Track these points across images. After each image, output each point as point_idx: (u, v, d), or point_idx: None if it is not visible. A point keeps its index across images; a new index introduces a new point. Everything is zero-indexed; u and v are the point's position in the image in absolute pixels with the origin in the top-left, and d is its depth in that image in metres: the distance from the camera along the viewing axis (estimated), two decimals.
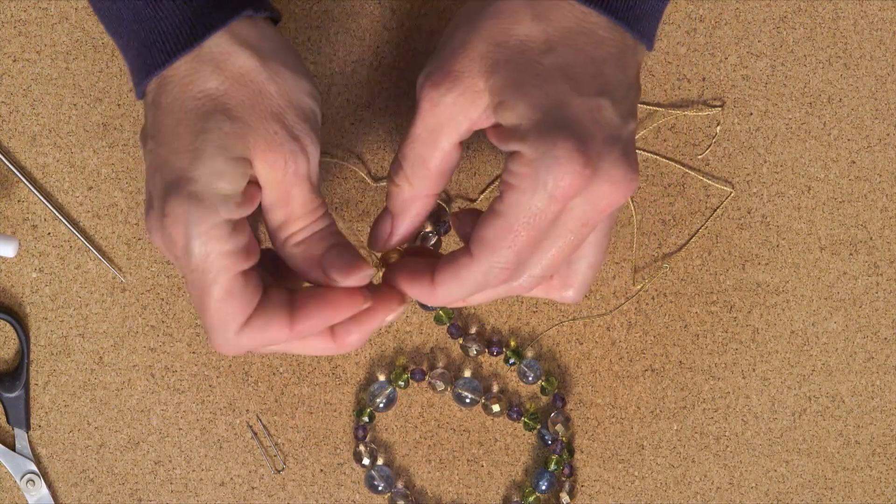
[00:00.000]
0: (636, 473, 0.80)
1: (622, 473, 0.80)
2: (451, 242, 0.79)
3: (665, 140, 0.79)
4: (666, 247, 0.79)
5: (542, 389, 0.79)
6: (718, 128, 0.79)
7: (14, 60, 0.77)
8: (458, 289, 0.63)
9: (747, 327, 0.80)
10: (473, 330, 0.79)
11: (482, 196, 0.79)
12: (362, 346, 0.79)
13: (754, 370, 0.80)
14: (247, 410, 0.79)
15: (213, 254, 0.61)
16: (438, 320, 0.79)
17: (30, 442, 0.78)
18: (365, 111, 0.78)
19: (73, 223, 0.78)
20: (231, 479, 0.79)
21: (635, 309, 0.79)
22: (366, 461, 0.78)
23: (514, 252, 0.61)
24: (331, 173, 0.78)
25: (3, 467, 0.79)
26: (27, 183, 0.77)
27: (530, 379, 0.79)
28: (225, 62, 0.62)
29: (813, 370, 0.80)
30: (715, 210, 0.79)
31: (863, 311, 0.80)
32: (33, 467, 0.78)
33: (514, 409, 0.79)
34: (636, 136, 0.75)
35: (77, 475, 0.79)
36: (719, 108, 0.79)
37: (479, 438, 0.79)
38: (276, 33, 0.64)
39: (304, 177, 0.63)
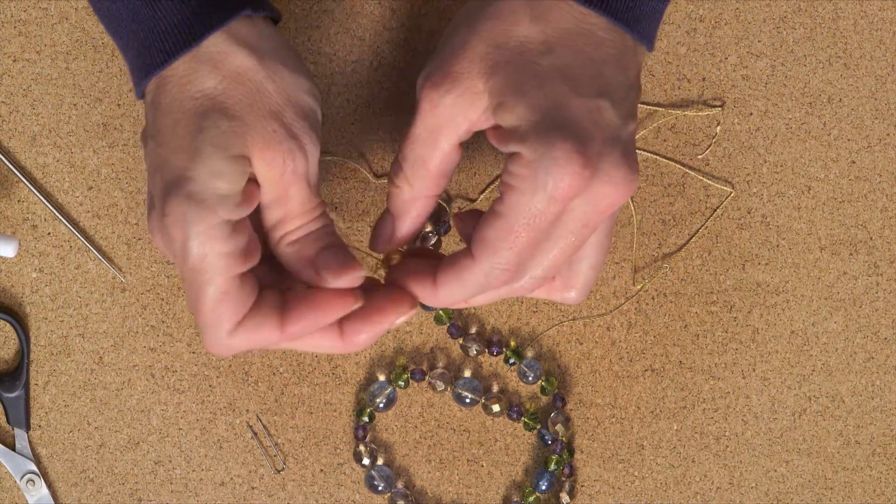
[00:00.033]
0: (636, 473, 0.80)
1: (622, 473, 0.80)
2: (450, 242, 0.79)
3: (665, 140, 0.79)
4: (666, 247, 0.79)
5: (542, 389, 0.79)
6: (718, 128, 0.79)
7: (14, 60, 0.77)
8: (460, 290, 0.63)
9: (747, 327, 0.80)
10: (473, 330, 0.79)
11: (482, 196, 0.79)
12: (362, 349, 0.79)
13: (754, 370, 0.80)
14: (247, 410, 0.79)
15: (211, 254, 0.61)
16: (438, 320, 0.79)
17: (30, 442, 0.78)
18: (365, 111, 0.78)
19: (73, 223, 0.78)
20: (231, 479, 0.79)
21: (635, 309, 0.79)
22: (366, 461, 0.78)
23: (514, 253, 0.61)
24: (331, 173, 0.78)
25: (3, 467, 0.79)
26: (27, 183, 0.77)
27: (530, 379, 0.79)
28: (222, 61, 0.62)
29: (813, 370, 0.80)
30: (715, 210, 0.79)
31: (863, 311, 0.80)
32: (33, 467, 0.78)
33: (514, 409, 0.79)
34: (636, 137, 0.75)
35: (77, 475, 0.79)
36: (719, 108, 0.79)
37: (479, 438, 0.79)
38: (274, 32, 0.64)
39: (302, 176, 0.63)
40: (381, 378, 0.79)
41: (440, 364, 0.79)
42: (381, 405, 0.78)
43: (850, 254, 0.80)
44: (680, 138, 0.79)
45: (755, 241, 0.79)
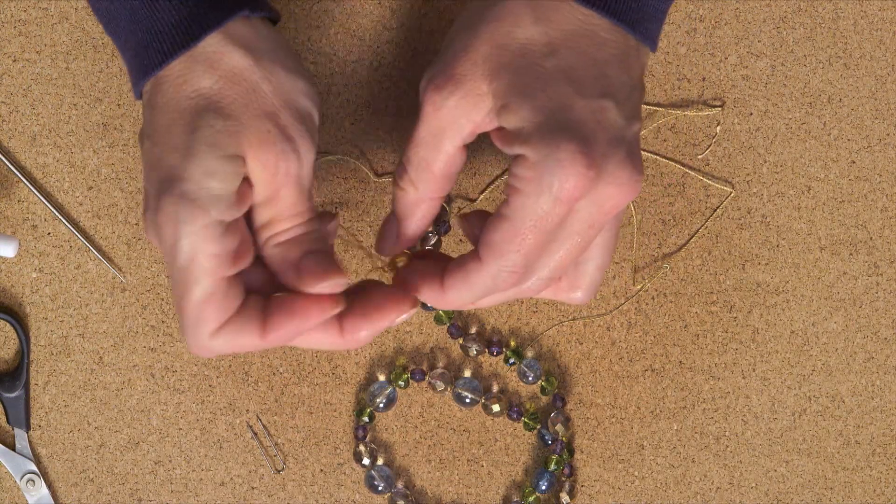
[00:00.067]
0: (636, 473, 0.80)
1: (622, 473, 0.80)
2: (450, 242, 0.79)
3: (665, 140, 0.79)
4: (666, 247, 0.79)
5: (542, 389, 0.79)
6: (718, 128, 0.79)
7: (14, 60, 0.77)
8: (467, 293, 0.63)
9: (747, 327, 0.80)
10: (473, 330, 0.79)
11: (482, 196, 0.79)
12: (362, 346, 0.79)
13: (754, 370, 0.80)
14: (247, 410, 0.79)
15: (201, 255, 0.60)
16: (438, 320, 0.79)
17: (30, 442, 0.78)
18: (365, 111, 0.78)
19: (73, 223, 0.78)
20: (231, 479, 0.79)
21: (635, 309, 0.79)
22: (366, 461, 0.78)
23: (521, 256, 0.61)
24: (331, 173, 0.78)
25: (3, 467, 0.79)
26: (27, 183, 0.77)
27: (530, 379, 0.79)
28: (218, 61, 0.62)
29: (813, 370, 0.80)
30: (715, 210, 0.79)
31: (863, 311, 0.80)
32: (33, 467, 0.78)
33: (514, 409, 0.79)
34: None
35: (77, 475, 0.79)
36: (719, 108, 0.79)
37: (479, 438, 0.79)
38: (272, 33, 0.64)
39: (294, 178, 0.62)
40: (381, 378, 0.79)
41: (440, 364, 0.79)
42: (381, 405, 0.78)
43: (850, 254, 0.80)
44: (680, 138, 0.79)
45: (755, 241, 0.79)
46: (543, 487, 0.79)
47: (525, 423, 0.79)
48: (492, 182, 0.79)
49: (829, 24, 0.79)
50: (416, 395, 0.79)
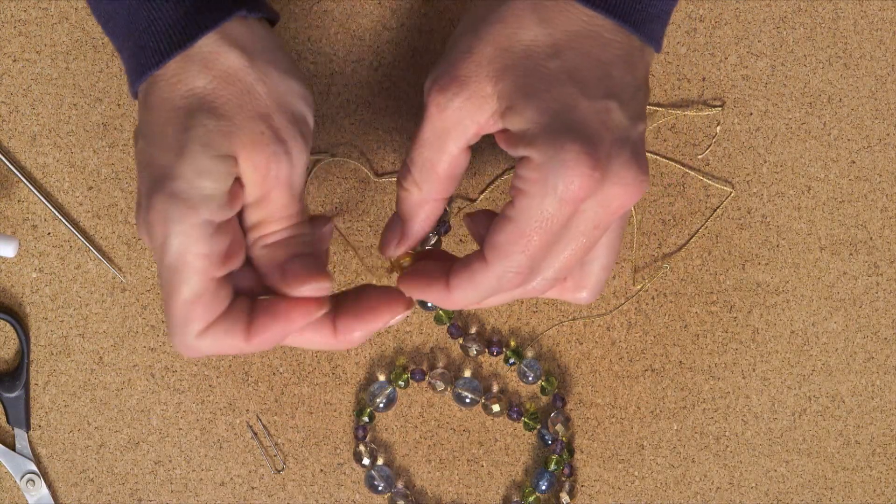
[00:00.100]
0: (636, 473, 0.80)
1: (622, 473, 0.80)
2: (450, 242, 0.79)
3: (665, 140, 0.79)
4: (666, 247, 0.79)
5: (542, 389, 0.79)
6: (718, 128, 0.79)
7: (14, 60, 0.77)
8: (473, 293, 0.63)
9: (747, 327, 0.80)
10: (473, 330, 0.79)
11: (482, 196, 0.79)
12: (362, 346, 0.79)
13: (754, 370, 0.80)
14: (247, 410, 0.79)
15: (190, 254, 0.60)
16: (438, 320, 0.79)
17: (30, 442, 0.78)
18: (365, 111, 0.78)
19: (73, 223, 0.78)
20: (231, 479, 0.79)
21: (635, 309, 0.79)
22: (366, 461, 0.78)
23: (527, 257, 0.61)
24: (331, 173, 0.78)
25: (3, 467, 0.79)
26: (27, 183, 0.77)
27: (530, 379, 0.79)
28: (213, 61, 0.62)
29: (813, 370, 0.80)
30: (715, 210, 0.79)
31: (863, 311, 0.80)
32: (33, 467, 0.78)
33: (514, 409, 0.79)
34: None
35: (77, 475, 0.79)
36: (719, 108, 0.79)
37: (479, 438, 0.79)
38: (269, 34, 0.64)
39: (285, 180, 0.62)
40: (381, 378, 0.79)
41: (440, 364, 0.79)
42: (381, 405, 0.78)
43: (850, 254, 0.80)
44: (680, 138, 0.79)
45: (755, 241, 0.79)
46: (543, 487, 0.79)
47: (525, 423, 0.79)
48: (492, 182, 0.79)
49: (829, 24, 0.79)
50: (416, 395, 0.79)
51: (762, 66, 0.79)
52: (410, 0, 0.78)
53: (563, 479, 0.79)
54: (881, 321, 0.80)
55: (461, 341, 0.79)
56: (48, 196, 0.77)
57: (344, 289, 0.67)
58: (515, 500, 0.80)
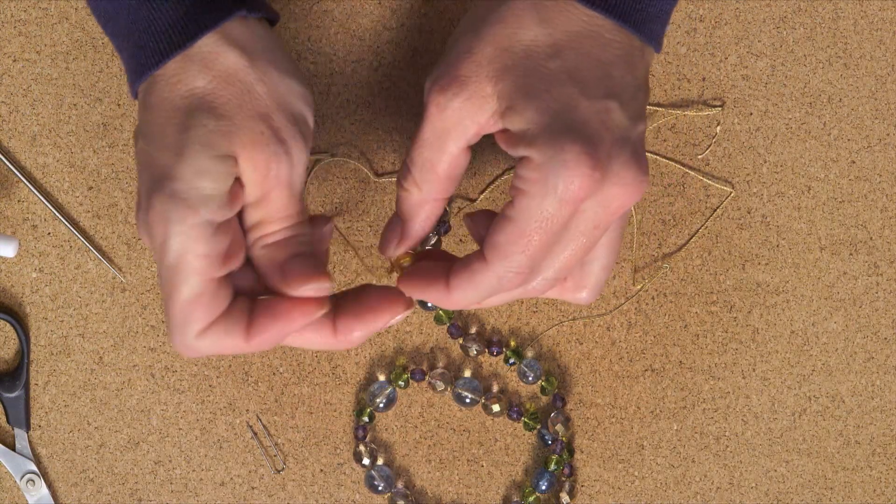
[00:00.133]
0: (636, 473, 0.80)
1: (622, 473, 0.80)
2: (450, 242, 0.79)
3: (665, 140, 0.79)
4: (666, 247, 0.79)
5: (542, 389, 0.79)
6: (718, 128, 0.79)
7: (14, 60, 0.77)
8: (473, 293, 0.63)
9: (747, 327, 0.80)
10: (473, 330, 0.79)
11: (482, 196, 0.79)
12: (362, 346, 0.79)
13: (754, 370, 0.80)
14: (247, 410, 0.79)
15: (190, 254, 0.60)
16: (438, 320, 0.79)
17: (30, 442, 0.78)
18: (365, 111, 0.78)
19: (73, 223, 0.78)
20: (231, 479, 0.79)
21: (635, 309, 0.79)
22: (366, 461, 0.78)
23: (527, 257, 0.61)
24: (331, 173, 0.78)
25: (3, 467, 0.79)
26: (27, 183, 0.77)
27: (530, 379, 0.79)
28: (213, 61, 0.62)
29: (813, 370, 0.80)
30: (715, 210, 0.79)
31: (863, 311, 0.80)
32: (33, 467, 0.78)
33: (514, 409, 0.79)
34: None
35: (77, 475, 0.79)
36: (719, 108, 0.79)
37: (479, 438, 0.79)
38: (269, 34, 0.64)
39: (285, 181, 0.62)
40: (381, 378, 0.79)
41: (440, 364, 0.79)
42: (381, 405, 0.78)
43: (850, 254, 0.80)
44: (680, 138, 0.79)
45: (755, 241, 0.79)
46: (543, 487, 0.79)
47: (525, 423, 0.79)
48: (492, 182, 0.79)
49: (829, 24, 0.79)
50: (416, 395, 0.79)
51: (762, 66, 0.79)
52: (410, 0, 0.78)
53: (563, 479, 0.79)
54: (881, 321, 0.80)
55: (461, 341, 0.79)
56: (48, 196, 0.77)
57: (344, 289, 0.67)
58: (515, 500, 0.80)
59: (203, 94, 0.61)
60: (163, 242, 0.60)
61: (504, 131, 0.62)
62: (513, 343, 0.79)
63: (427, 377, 0.79)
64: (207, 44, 0.62)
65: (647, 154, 0.77)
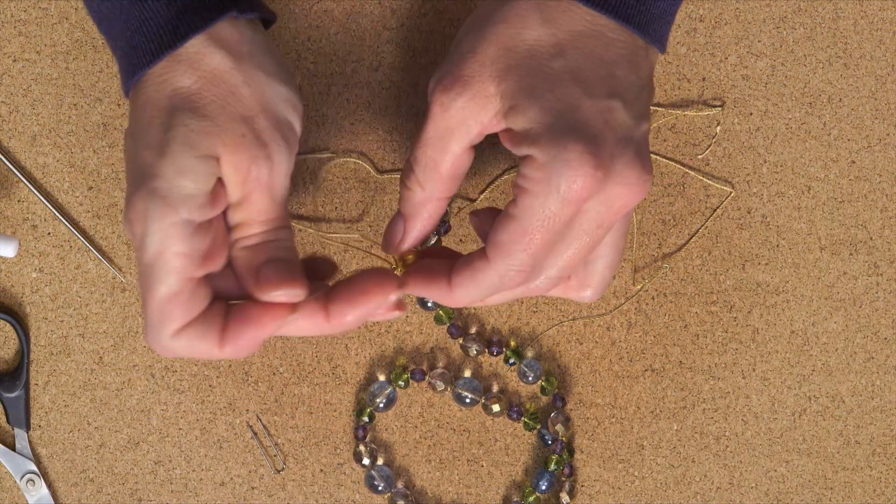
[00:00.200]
0: (636, 473, 0.80)
1: (622, 473, 0.80)
2: (450, 243, 0.79)
3: (665, 140, 0.79)
4: (666, 247, 0.79)
5: (542, 389, 0.79)
6: (718, 128, 0.79)
7: (14, 60, 0.77)
8: (475, 291, 0.63)
9: (747, 327, 0.80)
10: (473, 330, 0.79)
11: (482, 196, 0.79)
12: (362, 346, 0.79)
13: (754, 370, 0.80)
14: (247, 410, 0.79)
15: (168, 252, 0.60)
16: (438, 320, 0.79)
17: (30, 442, 0.78)
18: (365, 111, 0.78)
19: (73, 223, 0.78)
20: (231, 479, 0.79)
21: (635, 309, 0.79)
22: (366, 461, 0.78)
23: (529, 255, 0.61)
24: (331, 173, 0.78)
25: (3, 467, 0.79)
26: (27, 183, 0.77)
27: (530, 379, 0.79)
28: (199, 62, 0.62)
29: (813, 370, 0.80)
30: (715, 210, 0.79)
31: (863, 311, 0.80)
32: (33, 467, 0.78)
33: (514, 409, 0.79)
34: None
35: (77, 475, 0.79)
36: (719, 108, 0.79)
37: (479, 438, 0.79)
38: (259, 37, 0.64)
39: (265, 184, 0.62)
40: (381, 378, 0.79)
41: (440, 364, 0.79)
42: (381, 405, 0.78)
43: (850, 254, 0.80)
44: (680, 138, 0.79)
45: (755, 241, 0.79)
46: (543, 487, 0.79)
47: (525, 423, 0.79)
48: (492, 182, 0.79)
49: (829, 24, 0.79)
50: (416, 395, 0.79)
51: (762, 66, 0.79)
52: (410, 0, 0.78)
53: (563, 479, 0.79)
54: (881, 321, 0.80)
55: (461, 341, 0.79)
56: (48, 196, 0.77)
57: None
58: (515, 500, 0.80)
59: (188, 94, 0.61)
60: (142, 239, 0.60)
61: (507, 131, 0.62)
62: (513, 343, 0.79)
63: (427, 377, 0.79)
64: (195, 44, 0.62)
65: None
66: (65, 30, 0.77)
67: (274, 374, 0.79)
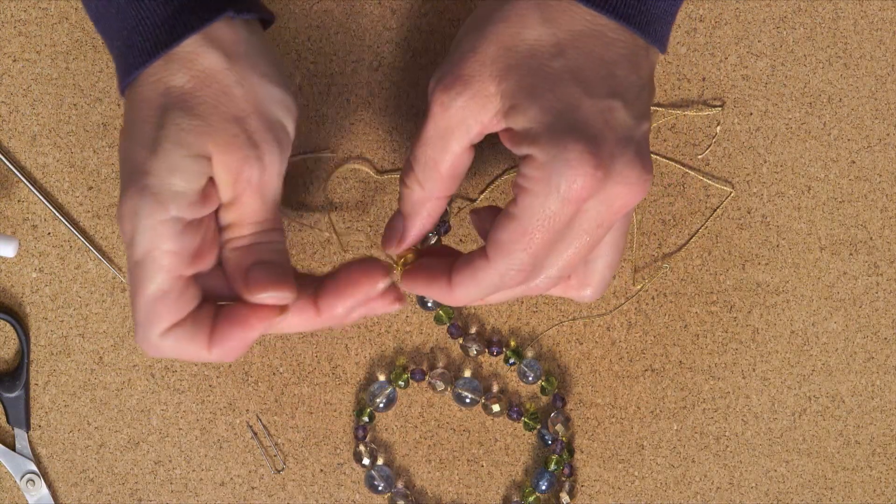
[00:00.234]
0: (636, 473, 0.80)
1: (622, 473, 0.80)
2: (450, 243, 0.79)
3: (665, 140, 0.79)
4: (666, 247, 0.79)
5: (542, 389, 0.79)
6: (718, 128, 0.79)
7: (14, 60, 0.77)
8: (475, 290, 0.63)
9: (747, 327, 0.80)
10: (473, 330, 0.79)
11: (482, 196, 0.79)
12: (362, 346, 0.79)
13: (754, 370, 0.80)
14: (247, 410, 0.79)
15: (157, 250, 0.60)
16: (438, 320, 0.79)
17: (30, 442, 0.78)
18: (365, 111, 0.78)
19: (73, 223, 0.78)
20: (231, 479, 0.79)
21: (635, 309, 0.79)
22: (366, 461, 0.78)
23: (529, 255, 0.61)
24: (330, 172, 0.78)
25: (3, 467, 0.79)
26: (27, 183, 0.77)
27: (530, 379, 0.79)
28: (193, 61, 0.62)
29: (813, 370, 0.80)
30: (715, 210, 0.79)
31: (863, 311, 0.80)
32: (33, 467, 0.78)
33: (514, 409, 0.79)
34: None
35: (77, 475, 0.79)
36: (719, 108, 0.79)
37: (479, 438, 0.79)
38: (255, 38, 0.64)
39: (256, 186, 0.62)
40: (381, 378, 0.79)
41: (440, 364, 0.79)
42: (381, 405, 0.78)
43: (850, 254, 0.80)
44: (680, 138, 0.79)
45: (755, 241, 0.79)
46: (543, 487, 0.79)
47: (525, 423, 0.79)
48: (492, 182, 0.79)
49: (829, 24, 0.79)
50: (416, 395, 0.79)
51: (762, 66, 0.79)
52: (410, 0, 0.78)
53: (563, 479, 0.79)
54: (881, 321, 0.80)
55: (461, 341, 0.79)
56: (48, 196, 0.77)
57: None
58: (515, 500, 0.80)
59: (180, 93, 0.61)
60: (132, 236, 0.60)
61: (507, 130, 0.62)
62: (513, 343, 0.79)
63: (427, 377, 0.79)
64: (189, 44, 0.62)
65: None
66: (65, 30, 0.77)
67: (274, 374, 0.79)
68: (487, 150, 0.78)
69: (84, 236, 0.78)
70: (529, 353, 0.79)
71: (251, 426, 0.79)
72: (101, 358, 0.78)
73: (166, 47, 0.61)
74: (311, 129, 0.78)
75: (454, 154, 0.64)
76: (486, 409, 0.79)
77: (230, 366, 0.78)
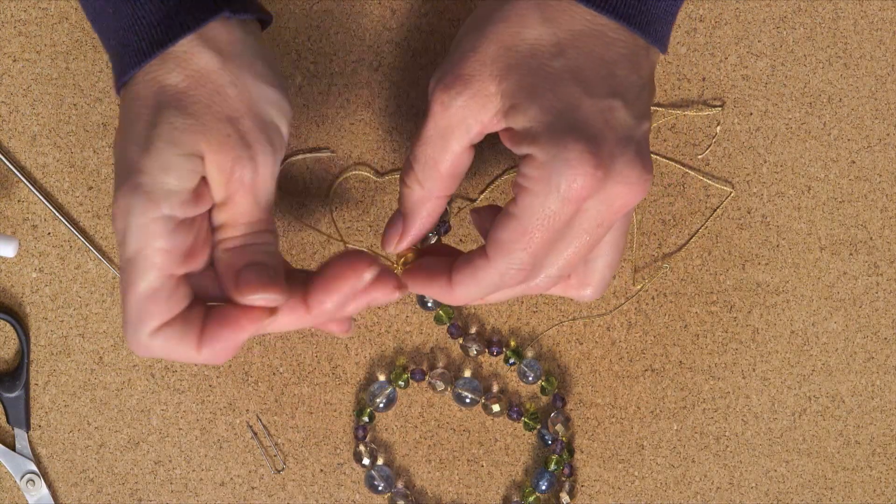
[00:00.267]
0: (636, 473, 0.80)
1: (622, 473, 0.80)
2: (450, 242, 0.79)
3: (665, 140, 0.79)
4: (666, 247, 0.79)
5: (542, 389, 0.79)
6: (718, 128, 0.79)
7: (14, 60, 0.77)
8: (475, 289, 0.63)
9: (747, 327, 0.80)
10: (473, 330, 0.79)
11: (482, 196, 0.79)
12: (362, 346, 0.79)
13: (754, 370, 0.80)
14: (247, 410, 0.79)
15: (149, 248, 0.60)
16: (438, 320, 0.79)
17: (30, 442, 0.78)
18: (365, 111, 0.78)
19: (73, 223, 0.78)
20: (231, 479, 0.79)
21: (635, 309, 0.79)
22: (366, 461, 0.78)
23: (529, 254, 0.61)
24: (330, 172, 0.78)
25: (3, 467, 0.79)
26: (27, 183, 0.77)
27: (530, 379, 0.79)
28: (188, 61, 0.62)
29: (813, 370, 0.80)
30: (715, 210, 0.79)
31: (863, 311, 0.80)
32: (33, 467, 0.78)
33: (514, 409, 0.79)
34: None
35: (77, 475, 0.79)
36: (719, 108, 0.79)
37: (479, 438, 0.79)
38: (250, 38, 0.63)
39: (248, 186, 0.62)
40: (381, 378, 0.79)
41: (440, 364, 0.79)
42: (381, 405, 0.78)
43: (850, 254, 0.80)
44: (680, 138, 0.79)
45: (755, 241, 0.79)
46: (543, 487, 0.79)
47: (525, 423, 0.79)
48: (492, 182, 0.79)
49: (829, 24, 0.79)
50: (416, 395, 0.79)
51: (762, 66, 0.79)
52: (410, 0, 0.78)
53: (563, 479, 0.79)
54: (881, 321, 0.80)
55: (461, 341, 0.79)
56: (48, 196, 0.77)
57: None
58: (515, 500, 0.80)
59: (174, 93, 0.61)
60: (123, 234, 0.60)
61: (508, 130, 0.62)
62: (513, 343, 0.79)
63: (427, 377, 0.79)
64: (184, 43, 0.62)
65: None
66: (65, 30, 0.77)
67: (274, 374, 0.79)
68: (487, 150, 0.78)
69: (84, 236, 0.78)
70: (529, 353, 0.79)
71: (251, 426, 0.79)
72: (101, 358, 0.78)
73: (161, 47, 0.61)
74: (311, 129, 0.78)
75: (454, 153, 0.64)
76: (486, 409, 0.79)
77: (230, 366, 0.78)
